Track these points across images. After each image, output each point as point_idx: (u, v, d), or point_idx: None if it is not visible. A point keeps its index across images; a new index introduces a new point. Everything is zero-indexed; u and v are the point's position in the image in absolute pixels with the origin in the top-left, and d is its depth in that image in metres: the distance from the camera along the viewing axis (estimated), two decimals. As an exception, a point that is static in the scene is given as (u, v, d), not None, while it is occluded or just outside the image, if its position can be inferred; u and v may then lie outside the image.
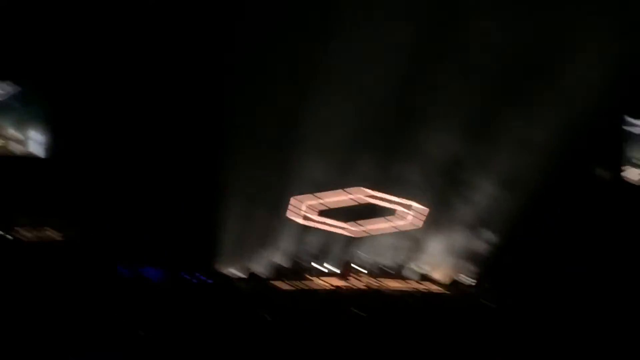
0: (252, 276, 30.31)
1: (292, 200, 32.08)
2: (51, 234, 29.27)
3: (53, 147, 30.59)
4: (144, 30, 29.56)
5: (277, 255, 31.32)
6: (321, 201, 32.32)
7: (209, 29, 29.66)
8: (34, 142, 30.71)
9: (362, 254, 32.12)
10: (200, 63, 29.88)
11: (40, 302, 20.23)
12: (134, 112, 29.93)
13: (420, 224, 32.47)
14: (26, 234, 28.92)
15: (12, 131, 30.71)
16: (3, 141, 30.60)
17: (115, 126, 29.94)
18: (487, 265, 31.52)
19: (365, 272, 31.41)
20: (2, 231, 28.78)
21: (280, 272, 30.43)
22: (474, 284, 31.48)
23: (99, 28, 29.48)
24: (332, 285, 29.78)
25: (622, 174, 33.22)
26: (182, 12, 29.64)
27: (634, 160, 33.23)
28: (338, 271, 31.29)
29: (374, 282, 30.60)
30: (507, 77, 29.46)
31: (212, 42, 29.67)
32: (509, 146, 30.36)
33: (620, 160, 33.23)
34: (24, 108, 30.73)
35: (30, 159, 30.59)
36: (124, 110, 29.93)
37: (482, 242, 31.63)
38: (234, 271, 30.63)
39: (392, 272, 31.83)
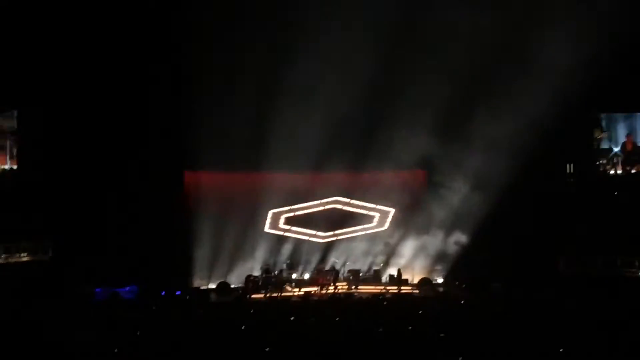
0: (228, 289, 30.62)
1: (271, 214, 32.42)
2: (26, 257, 29.22)
3: (26, 167, 30.22)
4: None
5: (252, 267, 31.68)
6: (297, 213, 32.70)
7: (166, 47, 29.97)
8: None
9: (336, 260, 32.42)
10: (162, 86, 30.10)
11: (18, 326, 20.31)
12: (102, 129, 30.06)
13: (385, 225, 32.88)
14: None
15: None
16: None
17: (85, 145, 30.09)
18: (455, 264, 31.93)
19: (339, 277, 31.69)
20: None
21: (255, 284, 30.65)
22: (442, 281, 32.04)
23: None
24: (305, 292, 30.12)
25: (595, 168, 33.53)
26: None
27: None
28: (313, 279, 31.66)
29: (346, 287, 30.92)
30: (477, 75, 29.89)
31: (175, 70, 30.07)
32: (478, 145, 30.81)
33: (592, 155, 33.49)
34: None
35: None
36: (94, 129, 30.05)
37: (450, 241, 31.99)
38: (210, 285, 30.98)
39: (365, 276, 32.19)
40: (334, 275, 31.48)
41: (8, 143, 30.33)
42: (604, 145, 33.36)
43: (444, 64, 29.66)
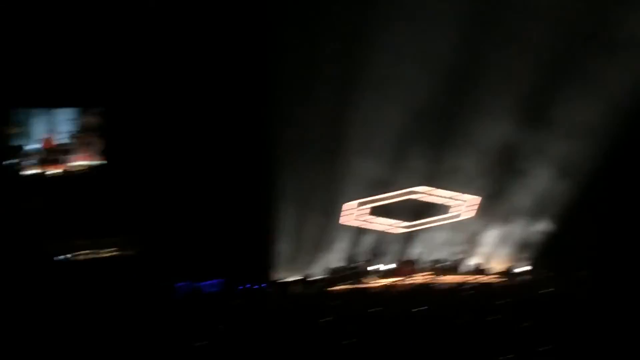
0: (309, 281, 30.72)
1: (345, 206, 32.42)
2: (107, 253, 29.77)
3: (106, 165, 31.03)
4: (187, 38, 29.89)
5: (332, 260, 31.72)
6: (373, 205, 32.60)
7: (252, 34, 29.91)
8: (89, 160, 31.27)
9: (418, 251, 32.26)
10: (247, 70, 30.12)
11: (98, 321, 20.65)
12: (183, 126, 30.29)
13: (472, 214, 32.56)
14: (83, 254, 29.48)
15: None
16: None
17: (165, 141, 30.38)
18: (541, 253, 31.44)
19: (422, 268, 31.50)
20: (60, 252, 29.44)
21: (336, 276, 30.67)
22: (529, 271, 31.46)
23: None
24: (387, 283, 30.01)
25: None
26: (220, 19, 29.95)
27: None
28: (395, 270, 31.48)
29: (430, 278, 30.75)
30: (560, 60, 29.46)
31: (258, 48, 29.91)
32: (563, 131, 30.16)
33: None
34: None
35: (84, 178, 31.00)
36: (172, 124, 30.31)
37: (535, 229, 31.52)
38: (290, 278, 31.10)
39: (448, 266, 31.95)
40: (418, 266, 31.42)
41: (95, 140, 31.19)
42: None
43: (525, 49, 29.17)
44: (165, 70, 29.90)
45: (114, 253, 29.82)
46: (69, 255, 29.48)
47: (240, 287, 28.75)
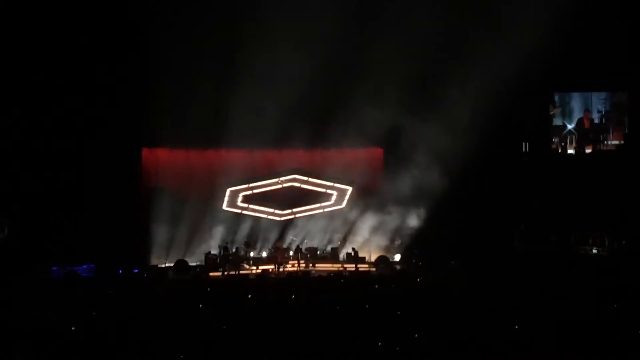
0: (186, 267, 30.60)
1: (229, 192, 32.42)
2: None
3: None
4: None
5: (210, 245, 31.73)
6: (256, 191, 32.70)
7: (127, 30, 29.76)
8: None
9: (294, 238, 32.57)
10: (118, 63, 29.94)
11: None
12: (57, 106, 29.80)
13: (343, 203, 33.07)
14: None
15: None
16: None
17: (41, 122, 29.84)
18: (412, 241, 32.21)
19: (297, 256, 31.81)
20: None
21: (213, 262, 30.69)
22: (399, 259, 32.21)
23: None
24: (263, 271, 30.23)
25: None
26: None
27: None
28: (271, 257, 31.64)
29: (304, 265, 31.08)
30: (435, 52, 30.21)
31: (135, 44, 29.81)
32: (434, 127, 30.91)
33: (547, 133, 34.06)
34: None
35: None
36: (49, 106, 29.79)
37: (407, 219, 32.25)
38: (167, 263, 30.96)
39: (323, 254, 32.36)
40: (291, 253, 31.73)
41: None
42: (557, 121, 33.93)
43: (403, 41, 29.64)
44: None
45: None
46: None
47: (117, 271, 28.44)
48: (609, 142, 33.88)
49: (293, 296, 21.94)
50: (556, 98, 34.06)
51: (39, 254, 28.41)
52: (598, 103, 33.97)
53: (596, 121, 33.99)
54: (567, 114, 34.02)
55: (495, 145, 31.68)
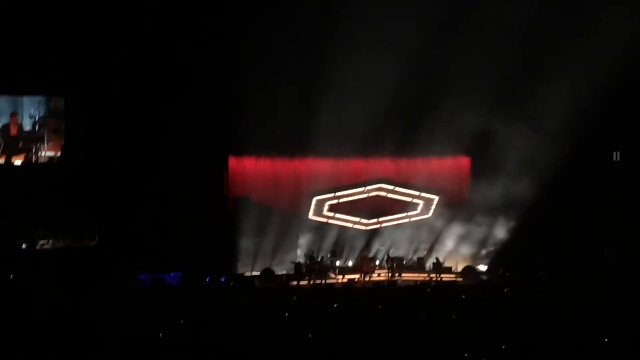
0: (273, 275, 30.81)
1: (315, 201, 32.56)
2: (72, 243, 29.60)
3: (71, 158, 30.48)
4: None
5: (296, 254, 31.86)
6: (341, 200, 32.75)
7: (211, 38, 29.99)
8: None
9: (380, 248, 32.49)
10: (206, 70, 30.13)
11: (63, 310, 20.61)
12: (146, 115, 30.12)
13: (429, 213, 32.84)
14: (47, 244, 29.34)
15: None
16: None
17: (131, 131, 30.15)
18: (499, 252, 31.84)
19: (383, 265, 31.77)
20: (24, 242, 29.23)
21: (300, 271, 30.81)
22: (486, 270, 31.90)
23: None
24: (349, 280, 30.22)
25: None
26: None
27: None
28: (357, 266, 31.60)
29: (390, 274, 30.95)
30: (523, 61, 30.12)
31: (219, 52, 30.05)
32: (523, 136, 30.67)
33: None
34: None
35: (49, 169, 30.53)
36: (138, 115, 30.15)
37: (494, 229, 31.89)
38: (254, 272, 31.17)
39: (408, 263, 32.21)
40: (377, 262, 31.70)
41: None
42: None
43: (490, 48, 29.36)
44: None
45: (77, 243, 29.62)
46: (31, 245, 29.29)
47: (205, 279, 28.74)
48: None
49: (379, 306, 21.85)
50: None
51: (128, 261, 28.81)
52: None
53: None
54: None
55: (586, 154, 31.05)
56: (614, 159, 33.26)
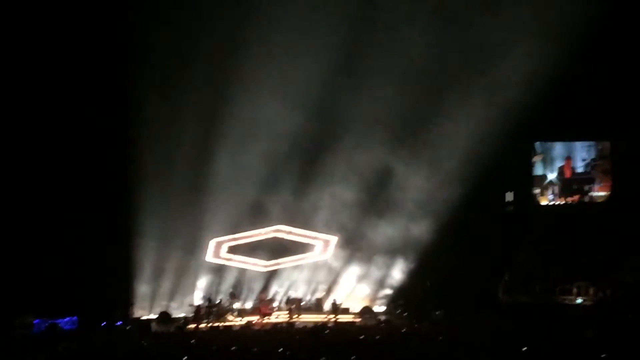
0: (169, 319, 30.40)
1: (213, 243, 32.31)
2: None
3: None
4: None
5: (193, 297, 31.56)
6: (239, 242, 32.60)
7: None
8: None
9: (278, 289, 32.44)
10: (107, 105, 29.75)
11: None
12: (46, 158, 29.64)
13: (328, 255, 32.99)
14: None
15: None
16: None
17: (24, 175, 29.58)
18: (397, 291, 32.17)
19: (282, 307, 31.75)
20: None
21: (198, 313, 30.47)
22: (384, 310, 32.13)
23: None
24: (248, 322, 30.06)
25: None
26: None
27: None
28: (255, 308, 31.54)
29: (289, 316, 30.90)
30: (415, 106, 30.36)
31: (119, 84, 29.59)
32: (421, 175, 31.19)
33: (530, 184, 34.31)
34: None
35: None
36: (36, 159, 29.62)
37: (391, 269, 32.20)
38: (151, 315, 30.75)
39: (307, 304, 32.25)
40: (277, 305, 31.74)
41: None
42: (538, 171, 34.10)
43: (384, 94, 29.95)
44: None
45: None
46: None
47: (100, 324, 28.22)
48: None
49: (280, 349, 21.76)
50: (537, 146, 34.33)
51: (20, 306, 28.06)
52: (582, 151, 34.21)
53: (579, 170, 34.21)
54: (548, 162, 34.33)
55: (480, 195, 31.71)
56: (506, 200, 34.15)
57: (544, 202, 34.40)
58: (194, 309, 30.64)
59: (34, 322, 28.10)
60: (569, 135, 34.09)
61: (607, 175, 34.19)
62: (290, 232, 32.93)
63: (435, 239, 31.24)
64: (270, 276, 32.77)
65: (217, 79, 29.63)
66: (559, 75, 29.14)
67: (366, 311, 31.54)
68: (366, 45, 29.94)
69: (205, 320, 30.11)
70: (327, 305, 32.08)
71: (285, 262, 32.99)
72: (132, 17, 28.56)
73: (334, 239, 32.99)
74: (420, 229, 31.55)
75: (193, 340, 24.31)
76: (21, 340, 25.01)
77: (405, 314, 30.93)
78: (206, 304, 31.02)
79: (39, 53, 28.96)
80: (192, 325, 29.58)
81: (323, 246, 33.08)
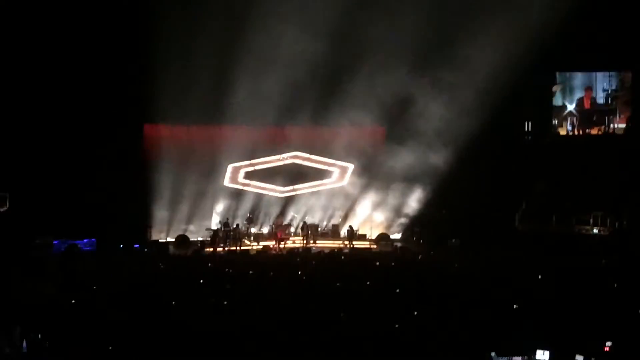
0: (187, 242, 30.64)
1: (230, 168, 32.38)
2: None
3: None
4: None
5: (211, 221, 31.78)
6: (257, 167, 32.68)
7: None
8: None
9: (295, 215, 32.61)
10: (124, 33, 29.58)
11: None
12: (59, 80, 29.46)
13: (344, 181, 33.04)
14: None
15: None
16: None
17: (42, 97, 29.50)
18: (413, 220, 32.30)
19: (298, 232, 31.97)
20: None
21: (215, 237, 30.70)
22: (399, 237, 32.29)
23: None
24: (264, 247, 30.31)
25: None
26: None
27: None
28: (272, 233, 31.71)
29: (305, 242, 31.13)
30: (435, 33, 29.90)
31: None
32: (439, 105, 30.94)
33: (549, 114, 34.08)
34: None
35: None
36: (50, 81, 29.43)
37: (408, 198, 32.26)
38: (168, 238, 31.03)
39: (323, 230, 32.45)
40: (292, 229, 31.91)
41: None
42: (557, 101, 33.82)
43: (404, 21, 29.57)
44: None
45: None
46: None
47: (118, 246, 28.52)
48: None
49: (298, 272, 21.98)
50: (557, 76, 34.00)
51: (40, 227, 28.37)
52: (603, 81, 33.88)
53: (600, 101, 33.90)
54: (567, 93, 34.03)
55: (498, 124, 31.55)
56: (526, 129, 34.00)
57: (562, 133, 34.14)
58: (211, 233, 30.83)
59: (54, 242, 28.45)
60: (590, 65, 33.60)
61: (629, 107, 33.70)
62: (308, 159, 32.97)
63: (453, 168, 31.08)
64: (287, 202, 32.90)
65: (238, 6, 29.32)
66: (581, 2, 28.65)
67: (382, 238, 31.66)
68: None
69: (222, 245, 30.35)
70: (343, 232, 32.26)
71: (302, 188, 33.08)
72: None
73: (350, 166, 33.01)
74: (438, 158, 31.34)
75: (210, 264, 24.58)
76: (41, 259, 25.25)
77: (422, 241, 31.06)
78: (223, 228, 31.20)
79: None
80: (209, 249, 29.84)
81: (340, 173, 33.14)
